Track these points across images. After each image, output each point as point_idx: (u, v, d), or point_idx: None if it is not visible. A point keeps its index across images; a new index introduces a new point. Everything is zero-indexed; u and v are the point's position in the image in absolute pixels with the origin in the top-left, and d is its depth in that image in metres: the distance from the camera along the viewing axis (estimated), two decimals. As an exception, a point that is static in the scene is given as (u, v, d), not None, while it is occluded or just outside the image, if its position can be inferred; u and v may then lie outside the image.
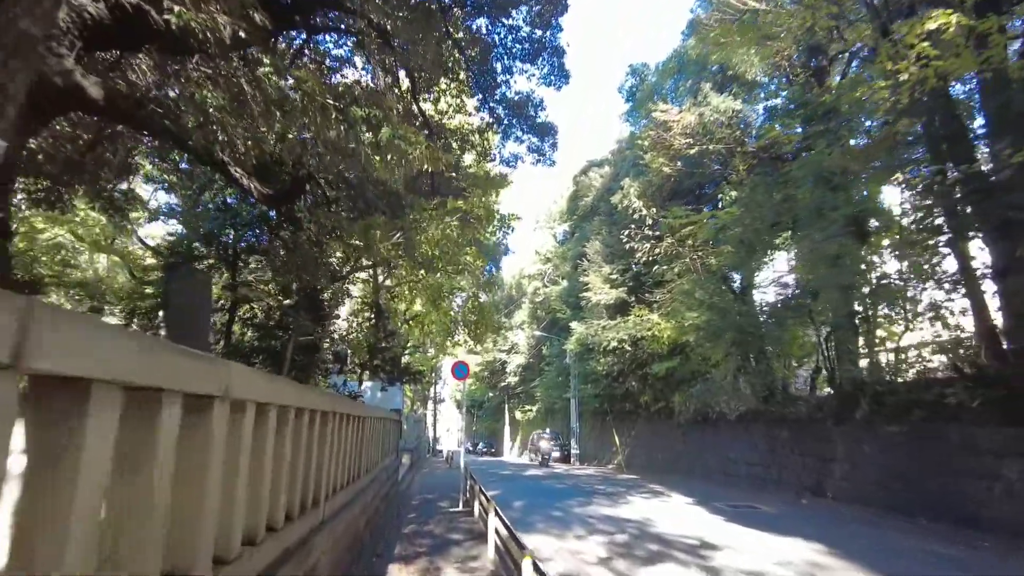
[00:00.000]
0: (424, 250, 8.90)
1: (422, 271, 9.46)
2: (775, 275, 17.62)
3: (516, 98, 13.28)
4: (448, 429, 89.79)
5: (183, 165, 10.64)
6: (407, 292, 18.66)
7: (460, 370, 12.25)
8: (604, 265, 21.58)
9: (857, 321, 13.25)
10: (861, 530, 9.70)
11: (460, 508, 11.72)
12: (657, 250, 18.82)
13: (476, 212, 13.44)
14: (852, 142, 13.52)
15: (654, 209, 19.39)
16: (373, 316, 17.88)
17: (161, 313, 9.54)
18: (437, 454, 52.65)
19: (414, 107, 13.22)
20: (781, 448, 15.55)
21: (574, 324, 23.90)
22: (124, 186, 9.97)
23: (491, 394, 59.36)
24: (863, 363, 13.80)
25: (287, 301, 13.41)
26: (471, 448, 64.52)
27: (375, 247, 7.54)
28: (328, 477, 5.10)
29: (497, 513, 6.81)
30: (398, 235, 8.95)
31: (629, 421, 26.00)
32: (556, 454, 32.50)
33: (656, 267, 18.85)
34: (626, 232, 19.61)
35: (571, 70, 13.22)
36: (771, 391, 16.43)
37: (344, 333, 16.34)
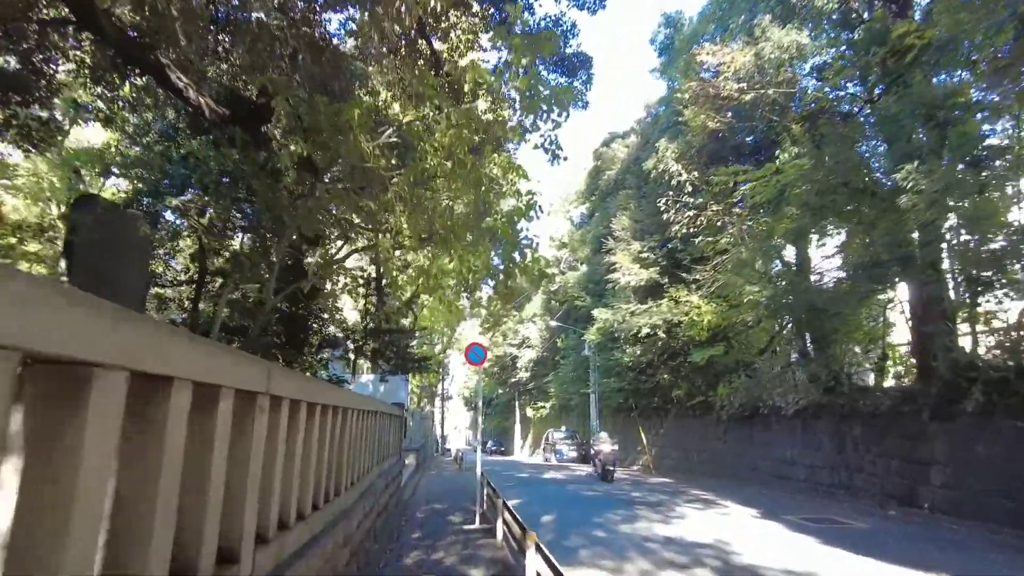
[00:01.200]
0: (429, 162, 6.53)
1: (427, 192, 7.03)
2: (834, 248, 15.17)
3: (542, 25, 10.91)
4: (456, 427, 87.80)
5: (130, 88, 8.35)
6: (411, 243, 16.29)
7: (475, 353, 9.94)
8: (633, 242, 19.22)
9: (961, 291, 10.79)
10: (997, 556, 7.31)
11: (477, 525, 9.41)
12: (699, 220, 16.39)
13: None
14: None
15: (695, 173, 16.96)
16: (373, 291, 15.57)
17: (63, 261, 7.29)
18: (445, 452, 50.52)
19: (420, 43, 10.90)
20: (853, 448, 13.12)
21: (596, 312, 21.56)
22: (42, 113, 7.72)
23: (500, 391, 57.03)
24: (962, 343, 11.35)
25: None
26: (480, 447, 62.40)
27: (354, 146, 5.30)
28: (276, 499, 2.85)
29: (541, 552, 4.49)
30: (389, 131, 6.64)
31: (657, 418, 23.60)
32: (574, 454, 30.21)
33: (698, 240, 16.43)
34: (662, 201, 17.16)
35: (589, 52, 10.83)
36: (836, 380, 14.00)
37: (334, 309, 14.04)
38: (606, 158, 26.63)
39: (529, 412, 49.42)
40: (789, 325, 18.09)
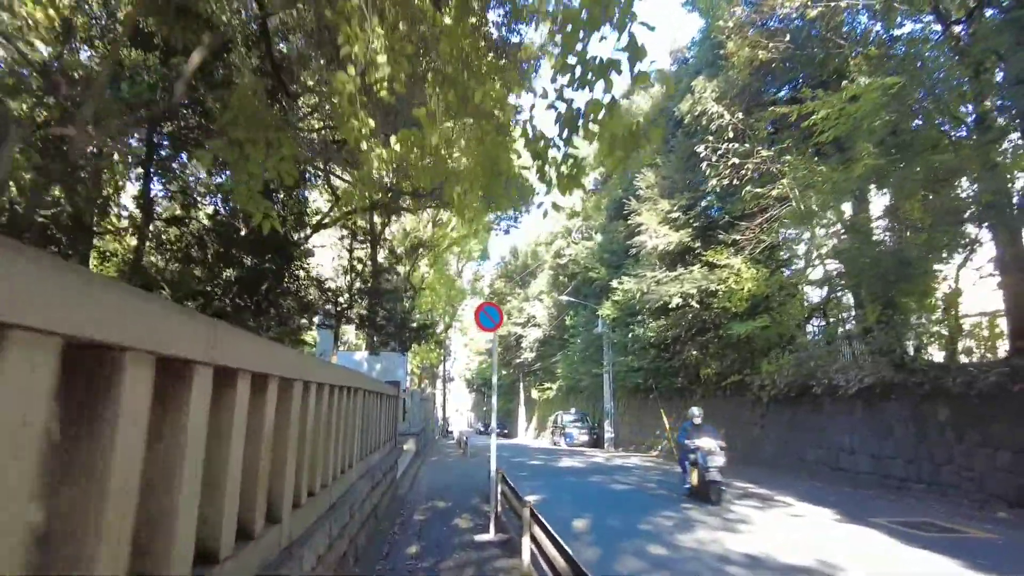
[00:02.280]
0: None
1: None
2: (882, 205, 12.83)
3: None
4: (457, 410, 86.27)
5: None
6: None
7: (488, 315, 7.70)
8: (661, 201, 16.90)
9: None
10: None
11: (492, 536, 7.29)
12: (743, 170, 14.03)
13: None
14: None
15: (738, 115, 14.57)
16: (367, 247, 13.32)
17: None
18: (447, 436, 48.75)
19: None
20: (938, 435, 10.98)
21: (616, 282, 19.33)
22: None
23: (504, 372, 55.05)
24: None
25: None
26: (483, 428, 60.60)
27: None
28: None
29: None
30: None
31: (680, 399, 21.48)
32: (585, 438, 28.28)
33: (742, 193, 14.06)
34: (701, 147, 14.73)
35: None
36: (912, 354, 11.83)
37: (311, 269, 11.79)
38: (627, 113, 24.12)
39: (534, 394, 47.49)
40: (835, 294, 15.88)
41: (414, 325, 16.74)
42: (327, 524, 4.15)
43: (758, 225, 14.30)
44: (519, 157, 4.85)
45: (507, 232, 20.38)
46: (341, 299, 12.52)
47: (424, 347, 46.85)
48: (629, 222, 18.08)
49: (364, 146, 3.86)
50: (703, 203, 16.10)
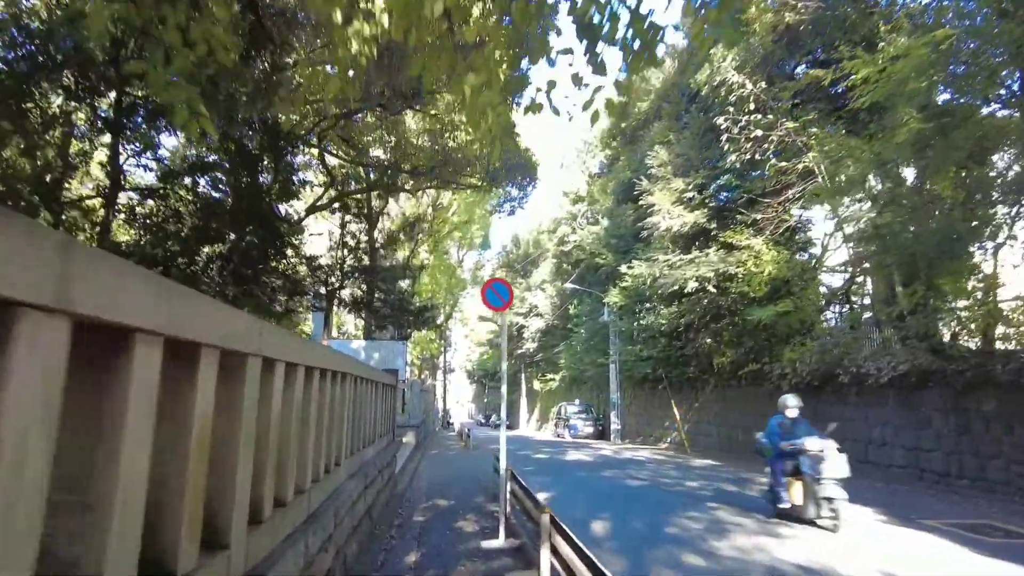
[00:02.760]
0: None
1: None
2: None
3: None
4: (458, 401, 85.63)
5: None
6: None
7: (496, 292, 6.79)
8: (675, 180, 15.93)
9: None
10: None
11: (501, 542, 6.43)
12: (766, 143, 13.02)
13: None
14: None
15: (761, 84, 13.56)
16: (363, 223, 12.39)
17: None
18: (448, 427, 48.07)
19: None
20: (984, 428, 10.12)
21: (626, 268, 18.39)
22: None
23: (506, 362, 54.24)
24: None
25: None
26: (484, 420, 59.91)
27: None
28: None
29: None
30: None
31: (691, 390, 20.66)
32: (590, 429, 27.49)
33: (765, 168, 13.05)
34: (721, 119, 13.69)
35: None
36: (946, 341, 10.96)
37: (301, 246, 10.86)
38: (637, 90, 23.03)
39: (536, 385, 46.74)
40: (859, 278, 14.98)
41: (413, 308, 15.77)
42: (302, 541, 3.26)
43: (780, 203, 13.34)
44: (559, 35, 3.75)
45: (512, 213, 19.46)
46: (332, 278, 11.60)
47: (424, 337, 46.06)
48: (641, 201, 17.11)
49: (338, 16, 2.89)
50: (720, 181, 15.13)
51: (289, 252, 9.84)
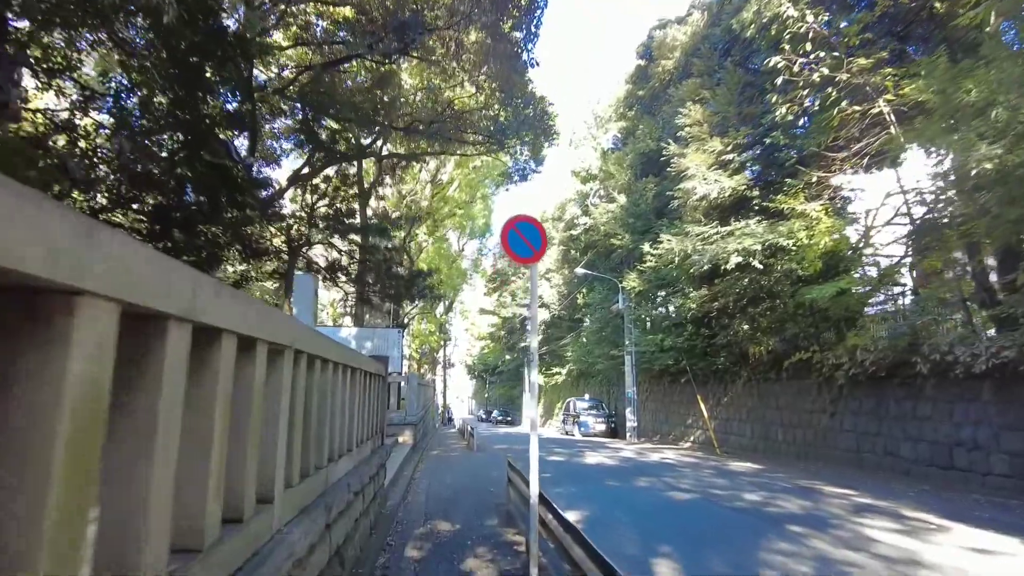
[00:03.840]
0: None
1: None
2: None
3: None
4: (458, 396, 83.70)
5: None
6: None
7: (522, 236, 4.65)
8: (711, 140, 13.79)
9: None
10: None
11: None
12: (833, 85, 10.83)
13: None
14: None
15: (824, 15, 11.33)
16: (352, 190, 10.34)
17: None
18: (448, 424, 46.10)
19: None
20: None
21: (648, 247, 16.29)
22: None
23: (508, 356, 52.19)
24: None
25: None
26: (485, 416, 57.83)
27: None
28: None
29: None
30: None
31: (717, 384, 18.63)
32: (602, 427, 25.47)
33: (833, 112, 10.84)
34: (777, 59, 11.41)
35: None
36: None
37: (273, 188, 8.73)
38: (658, 46, 20.85)
39: (540, 379, 44.75)
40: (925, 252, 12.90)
41: (403, 272, 13.49)
42: None
43: (844, 160, 11.20)
44: None
45: (524, 178, 17.04)
46: (296, 231, 9.47)
47: (422, 330, 43.99)
48: (670, 168, 14.92)
49: None
50: (767, 139, 12.99)
51: (248, 207, 7.68)
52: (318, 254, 11.57)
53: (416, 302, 17.96)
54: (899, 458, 11.67)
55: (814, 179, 11.83)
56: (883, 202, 13.22)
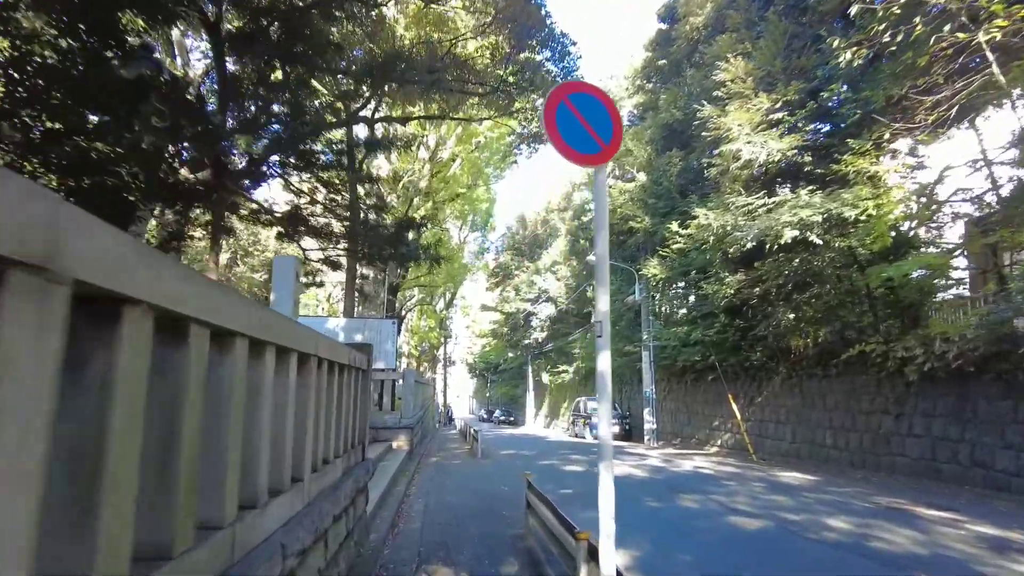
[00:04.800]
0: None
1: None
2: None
3: None
4: (458, 395, 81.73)
5: None
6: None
7: (580, 117, 2.76)
8: (756, 97, 11.80)
9: None
10: None
11: None
12: (921, 14, 8.85)
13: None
14: None
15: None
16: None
17: None
18: (449, 424, 44.20)
19: None
20: None
21: (675, 226, 14.33)
22: None
23: (511, 354, 50.23)
24: None
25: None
26: (486, 416, 55.80)
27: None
28: None
29: None
30: None
31: (749, 381, 16.69)
32: (616, 429, 23.51)
33: (923, 50, 8.83)
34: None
35: None
36: None
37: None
38: (687, 4, 18.76)
39: (545, 378, 42.73)
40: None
41: (388, 222, 11.32)
42: None
43: (927, 111, 9.18)
44: None
45: (538, 141, 15.00)
46: (236, 154, 7.42)
47: (421, 328, 42.01)
48: (706, 132, 12.89)
49: None
50: (824, 93, 11.02)
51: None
52: (277, 200, 9.58)
53: (406, 266, 15.68)
54: (992, 470, 9.71)
55: (886, 136, 9.90)
56: (945, 172, 11.24)
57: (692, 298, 16.91)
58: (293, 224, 9.46)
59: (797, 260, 11.74)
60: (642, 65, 21.15)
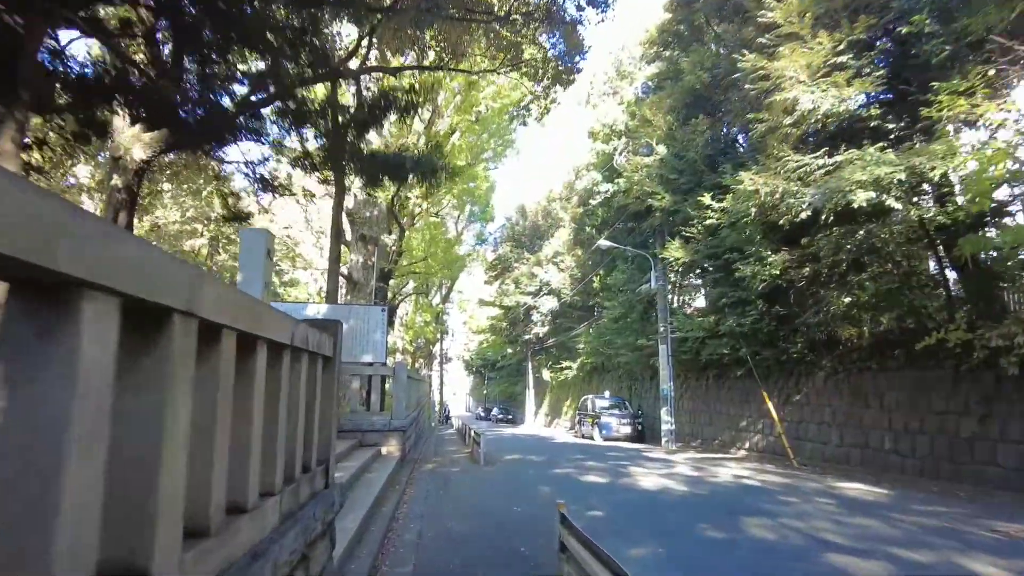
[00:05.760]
0: None
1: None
2: None
3: None
4: (455, 392, 79.86)
5: None
6: None
7: None
8: (814, 39, 9.80)
9: None
10: None
11: None
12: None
13: None
14: None
15: None
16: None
17: None
18: (445, 422, 42.30)
19: None
20: None
21: (708, 199, 12.40)
22: None
23: (509, 350, 48.29)
24: None
25: None
26: (484, 414, 53.84)
27: None
28: None
29: None
30: None
31: (786, 377, 14.84)
32: (627, 430, 21.70)
33: None
34: None
35: None
36: None
37: None
38: None
39: (546, 375, 40.81)
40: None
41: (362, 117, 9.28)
42: None
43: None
44: None
45: (547, 100, 13.04)
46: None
47: (416, 322, 40.00)
48: (751, 85, 10.87)
49: None
50: (902, 29, 9.13)
51: None
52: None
53: (407, 183, 13.68)
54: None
55: (991, 73, 8.03)
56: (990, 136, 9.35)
57: (707, 288, 14.99)
58: (242, 116, 7.56)
59: (862, 232, 9.88)
60: (658, 32, 19.21)
